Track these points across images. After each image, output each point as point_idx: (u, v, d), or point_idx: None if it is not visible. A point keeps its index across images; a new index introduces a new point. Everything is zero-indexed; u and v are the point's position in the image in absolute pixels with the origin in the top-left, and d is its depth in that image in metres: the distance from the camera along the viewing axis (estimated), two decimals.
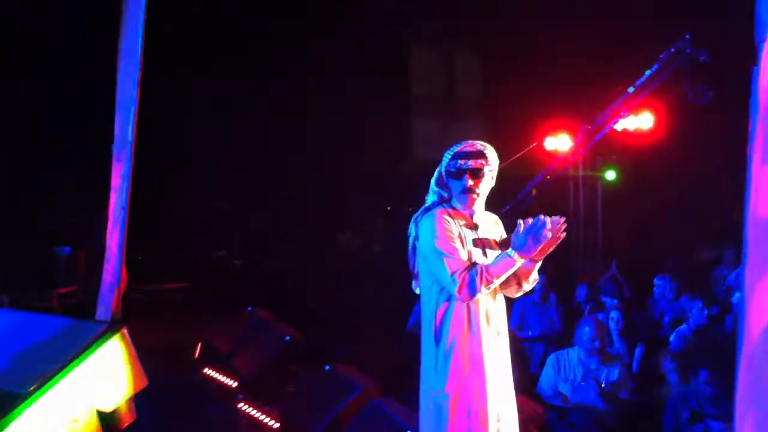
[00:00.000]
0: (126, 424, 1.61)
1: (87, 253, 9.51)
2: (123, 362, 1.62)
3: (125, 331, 1.62)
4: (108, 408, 1.55)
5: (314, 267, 11.99)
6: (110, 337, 1.59)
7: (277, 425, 5.89)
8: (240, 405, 6.31)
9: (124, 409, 1.61)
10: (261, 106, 13.03)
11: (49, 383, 1.48)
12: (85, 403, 1.52)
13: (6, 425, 1.36)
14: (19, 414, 1.40)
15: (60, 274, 9.66)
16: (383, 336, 8.34)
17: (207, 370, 7.19)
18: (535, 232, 3.49)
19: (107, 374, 1.57)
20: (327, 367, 6.06)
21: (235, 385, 6.78)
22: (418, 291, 3.88)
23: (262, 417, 6.02)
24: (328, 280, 11.18)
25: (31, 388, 1.44)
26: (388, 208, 16.86)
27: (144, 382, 1.68)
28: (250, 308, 7.98)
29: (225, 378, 6.92)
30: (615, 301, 7.35)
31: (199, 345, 7.71)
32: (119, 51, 6.67)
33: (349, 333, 8.53)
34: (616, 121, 9.73)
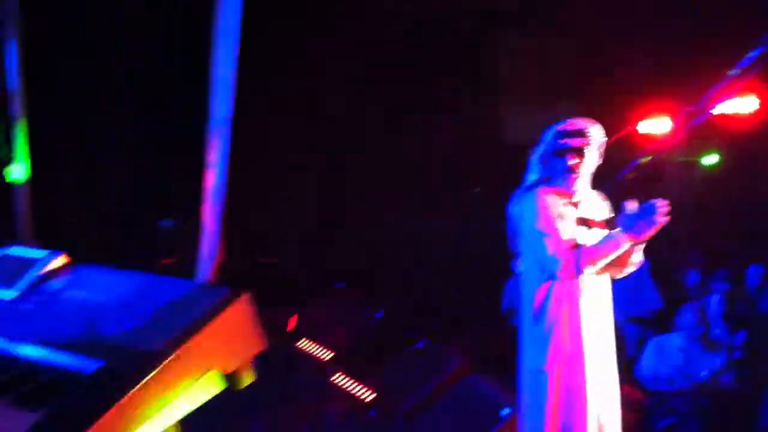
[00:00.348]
0: (245, 385, 1.69)
1: (188, 226, 9.84)
2: (245, 325, 1.70)
3: (248, 295, 1.71)
4: (230, 369, 1.64)
5: (404, 245, 12.08)
6: (234, 300, 1.67)
7: (371, 398, 6.01)
8: (334, 377, 6.47)
9: (244, 371, 1.69)
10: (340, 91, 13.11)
11: (178, 343, 1.56)
12: (209, 363, 1.61)
13: (137, 382, 1.46)
14: (151, 372, 1.49)
15: (162, 245, 10.03)
16: (474, 315, 8.38)
17: (301, 342, 7.37)
18: (647, 215, 3.45)
19: (230, 337, 1.66)
20: (421, 344, 6.14)
21: (329, 357, 6.94)
22: (518, 270, 3.90)
23: (355, 389, 6.15)
24: (419, 258, 11.24)
25: (161, 348, 1.53)
26: (476, 189, 16.78)
27: (263, 345, 1.76)
28: (343, 284, 8.14)
29: (319, 350, 7.08)
30: (721, 286, 7.22)
31: (294, 318, 7.89)
32: (216, 27, 6.87)
33: (439, 311, 8.59)
34: (717, 105, 9.45)
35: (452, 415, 5.16)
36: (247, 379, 1.71)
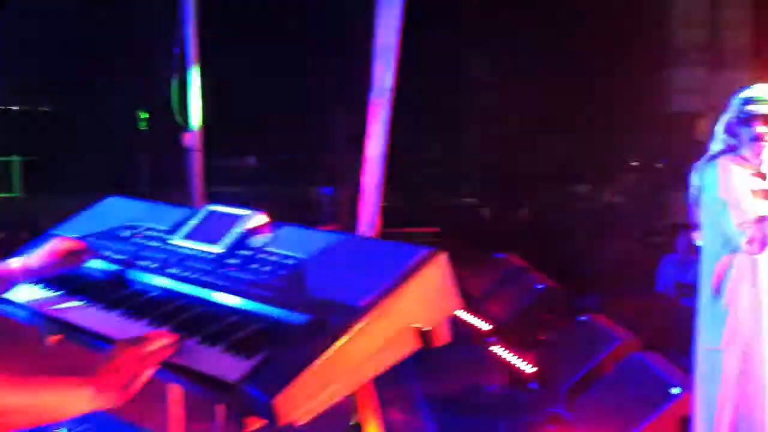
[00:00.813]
0: (440, 344, 1.71)
1: (348, 195, 10.06)
2: (443, 284, 1.71)
3: (445, 255, 1.72)
4: (427, 327, 1.66)
5: (563, 217, 11.92)
6: (433, 260, 1.69)
7: (532, 370, 5.97)
8: (492, 347, 6.46)
9: (440, 329, 1.71)
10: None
11: (382, 300, 1.60)
12: (410, 320, 1.64)
13: (345, 335, 1.51)
14: (357, 326, 1.53)
15: (324, 213, 10.34)
16: (633, 290, 8.13)
17: (459, 312, 7.41)
18: None
19: (429, 295, 1.68)
20: (583, 318, 6.02)
21: (487, 328, 6.94)
22: (699, 243, 3.75)
23: (516, 361, 6.12)
24: (577, 231, 11.03)
25: (366, 303, 1.57)
26: (634, 163, 16.29)
27: (459, 305, 1.77)
28: (502, 254, 8.09)
29: (477, 321, 7.10)
30: None
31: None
32: None
33: (598, 285, 8.40)
34: None
35: (616, 393, 5.03)
36: (443, 337, 1.73)
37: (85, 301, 2.03)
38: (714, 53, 15.26)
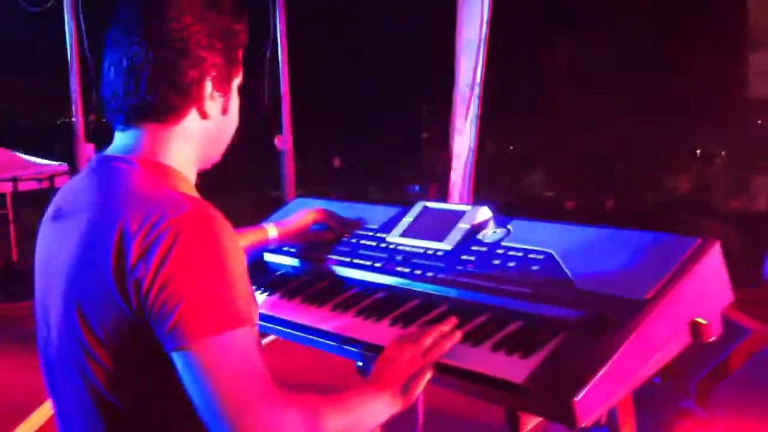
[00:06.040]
0: (713, 338, 1.61)
1: (437, 191, 10.00)
2: (718, 275, 1.61)
3: (719, 244, 1.61)
4: (704, 320, 1.55)
5: (651, 206, 11.71)
6: (709, 249, 1.58)
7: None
8: None
9: (714, 323, 1.61)
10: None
11: (664, 292, 1.50)
12: (689, 313, 1.54)
13: (630, 332, 1.43)
14: (641, 322, 1.44)
15: None
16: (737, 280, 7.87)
17: None
18: None
19: (706, 287, 1.58)
20: None
21: None
22: None
23: None
24: (668, 220, 10.78)
25: (650, 296, 1.48)
26: (698, 152, 15.95)
27: (731, 297, 1.67)
28: None
29: None
30: None
31: None
32: None
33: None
34: None
35: (752, 387, 4.85)
36: (716, 331, 1.64)
37: (309, 302, 1.98)
38: None
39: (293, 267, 2.20)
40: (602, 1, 12.49)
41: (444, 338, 1.55)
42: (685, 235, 1.66)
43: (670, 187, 14.01)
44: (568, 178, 13.32)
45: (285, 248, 2.21)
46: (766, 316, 6.29)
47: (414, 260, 1.95)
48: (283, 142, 8.35)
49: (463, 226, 1.96)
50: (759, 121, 15.62)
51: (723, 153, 15.18)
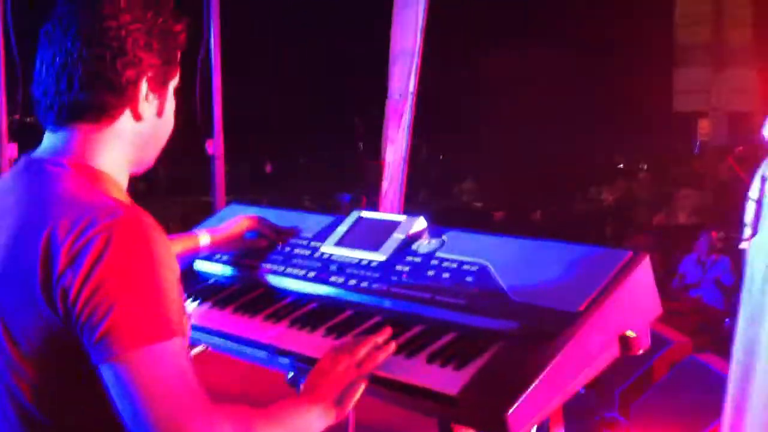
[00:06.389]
0: (641, 350, 1.64)
1: (367, 201, 10.03)
2: (647, 288, 1.65)
3: (648, 257, 1.65)
4: (632, 333, 1.59)
5: (575, 218, 11.95)
6: (639, 262, 1.62)
7: None
8: None
9: (643, 335, 1.64)
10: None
11: (595, 305, 1.53)
12: (620, 326, 1.57)
13: (562, 345, 1.45)
14: (572, 335, 1.46)
15: None
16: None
17: None
18: None
19: (635, 299, 1.61)
20: None
21: None
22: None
23: None
24: (590, 232, 11.00)
25: (577, 310, 1.50)
26: (620, 166, 16.36)
27: (659, 310, 1.70)
28: None
29: None
30: None
31: None
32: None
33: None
34: None
35: (674, 397, 4.98)
36: (644, 344, 1.66)
37: (240, 312, 1.95)
38: (716, 53, 15.31)
39: (225, 276, 2.16)
40: (531, 16, 12.75)
41: (378, 349, 1.54)
42: (610, 247, 1.70)
43: (595, 199, 14.34)
44: (497, 188, 13.54)
45: (217, 256, 2.17)
46: (687, 327, 6.49)
47: (348, 270, 1.93)
48: (214, 146, 8.23)
49: (397, 236, 1.96)
50: (680, 136, 16.09)
51: (644, 167, 15.59)
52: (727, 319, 5.82)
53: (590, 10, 13.26)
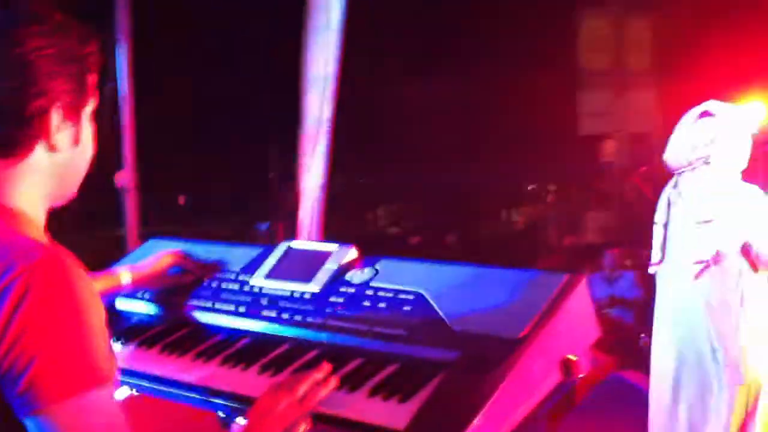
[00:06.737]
0: (582, 374, 1.64)
1: (285, 228, 9.92)
2: (585, 311, 1.65)
3: (584, 281, 1.65)
4: (573, 356, 1.59)
5: (487, 241, 12.07)
6: (576, 285, 1.62)
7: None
8: None
9: (583, 358, 1.64)
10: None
11: (536, 330, 1.52)
12: (561, 350, 1.57)
13: (505, 373, 1.44)
14: (515, 362, 1.45)
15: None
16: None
17: None
18: None
19: (574, 323, 1.61)
20: None
21: None
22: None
23: None
24: (501, 254, 11.16)
25: (524, 335, 1.49)
26: (531, 188, 16.69)
27: (599, 333, 1.71)
28: None
29: None
30: None
31: None
32: (309, 26, 6.75)
33: None
34: None
35: (599, 416, 5.04)
36: (584, 368, 1.66)
37: (168, 352, 1.86)
38: (618, 76, 15.83)
39: (149, 314, 2.06)
40: (443, 46, 12.94)
41: (319, 385, 1.49)
42: (523, 268, 1.70)
43: (507, 222, 14.57)
44: (411, 214, 13.60)
45: (140, 294, 2.07)
46: (608, 346, 6.61)
47: (281, 303, 1.87)
48: (125, 178, 7.99)
49: (330, 266, 1.91)
50: (586, 158, 16.52)
51: (553, 188, 15.95)
52: (642, 335, 5.94)
53: (498, 41, 13.55)
